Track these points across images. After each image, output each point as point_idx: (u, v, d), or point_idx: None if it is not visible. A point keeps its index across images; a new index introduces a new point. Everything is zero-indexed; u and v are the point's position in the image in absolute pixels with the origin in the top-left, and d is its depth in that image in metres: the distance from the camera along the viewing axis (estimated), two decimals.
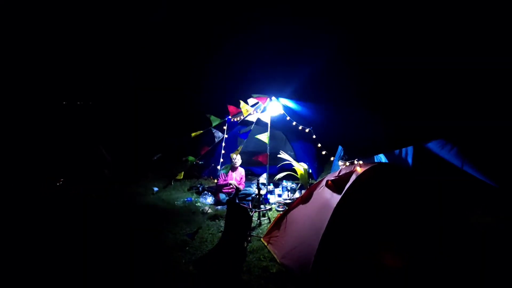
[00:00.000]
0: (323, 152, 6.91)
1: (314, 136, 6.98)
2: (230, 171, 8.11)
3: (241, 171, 8.35)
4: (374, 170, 4.79)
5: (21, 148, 11.21)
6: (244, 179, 8.39)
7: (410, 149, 7.49)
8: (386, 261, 4.20)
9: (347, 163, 5.61)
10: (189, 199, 7.95)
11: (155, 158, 7.19)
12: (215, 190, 8.14)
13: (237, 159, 8.10)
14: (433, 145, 6.77)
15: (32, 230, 5.97)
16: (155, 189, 8.65)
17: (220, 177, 8.12)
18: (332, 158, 6.83)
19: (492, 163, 6.31)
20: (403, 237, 4.31)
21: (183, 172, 7.57)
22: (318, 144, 7.05)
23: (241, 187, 8.07)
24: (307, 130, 7.09)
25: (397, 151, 7.89)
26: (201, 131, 7.72)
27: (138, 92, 19.48)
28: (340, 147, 8.47)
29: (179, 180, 9.09)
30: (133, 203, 7.64)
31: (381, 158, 8.22)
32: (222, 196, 7.75)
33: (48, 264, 4.84)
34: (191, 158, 7.49)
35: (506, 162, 6.18)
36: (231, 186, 7.92)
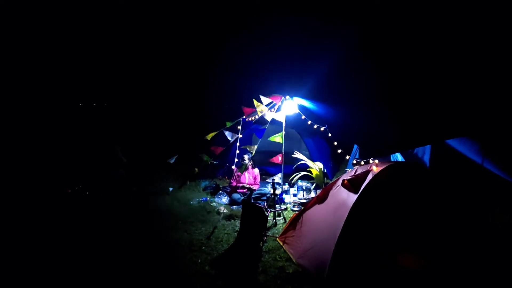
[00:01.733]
0: (339, 151, 6.85)
1: (330, 135, 6.92)
2: (245, 173, 8.13)
3: (255, 171, 8.36)
4: (391, 169, 4.72)
5: (38, 151, 11.36)
6: (258, 178, 8.40)
7: (427, 148, 7.37)
8: (404, 261, 4.13)
9: (362, 163, 5.54)
10: (204, 199, 7.97)
11: (172, 161, 7.21)
12: (230, 190, 8.16)
13: (245, 157, 8.10)
14: (453, 142, 6.65)
15: (56, 231, 6.04)
16: (170, 189, 8.69)
17: (233, 178, 8.14)
18: (347, 157, 6.76)
19: None
20: (421, 237, 4.23)
21: (197, 169, 7.59)
22: (334, 142, 6.98)
23: (256, 187, 8.07)
24: (322, 129, 7.04)
25: (414, 150, 7.78)
26: (216, 132, 7.73)
27: (153, 92, 19.64)
28: (355, 146, 8.39)
29: (195, 180, 9.13)
30: (149, 203, 7.68)
31: (397, 157, 8.11)
32: (237, 196, 7.76)
33: (68, 264, 4.90)
34: (206, 157, 7.51)
35: None
36: (244, 187, 7.96)
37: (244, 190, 7.99)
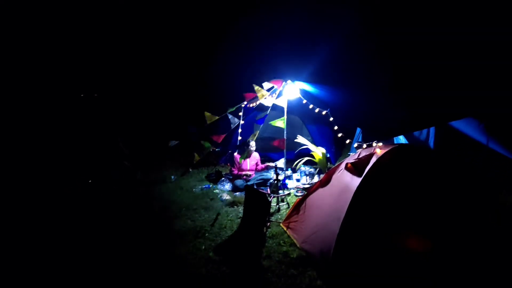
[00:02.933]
0: (339, 135, 6.78)
1: (331, 119, 6.84)
2: (247, 159, 8.12)
3: (255, 156, 8.35)
4: (395, 152, 4.66)
5: (39, 146, 11.33)
6: (260, 163, 8.39)
7: (432, 130, 7.29)
8: (410, 244, 4.10)
9: (364, 146, 5.48)
10: (207, 186, 7.96)
11: (172, 145, 7.16)
12: (233, 177, 8.15)
13: (252, 145, 8.08)
14: (458, 124, 6.57)
15: (58, 223, 6.06)
16: (173, 177, 8.68)
17: (235, 166, 8.11)
18: (348, 141, 6.70)
19: None
20: (427, 220, 4.19)
21: (197, 155, 7.56)
22: (335, 126, 6.91)
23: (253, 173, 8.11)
24: (324, 113, 6.96)
25: (417, 133, 7.71)
26: (217, 117, 7.66)
27: (152, 81, 19.49)
28: (358, 130, 8.32)
29: (197, 167, 9.11)
30: (152, 192, 7.68)
31: (401, 140, 8.04)
32: (239, 182, 7.74)
33: (78, 251, 4.91)
34: (207, 144, 7.46)
35: None
36: (247, 175, 7.97)
37: (246, 177, 7.98)
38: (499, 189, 6.35)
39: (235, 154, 8.47)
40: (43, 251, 4.98)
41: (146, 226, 5.77)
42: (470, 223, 4.26)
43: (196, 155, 7.14)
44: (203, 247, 4.97)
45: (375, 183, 4.37)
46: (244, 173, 8.09)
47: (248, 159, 8.21)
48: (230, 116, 7.70)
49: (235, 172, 8.09)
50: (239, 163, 8.10)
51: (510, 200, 6.00)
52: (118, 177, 8.26)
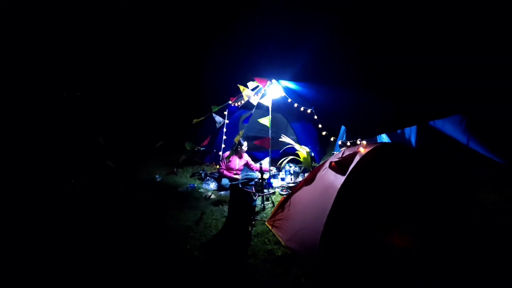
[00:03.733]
0: (323, 133, 6.83)
1: (315, 117, 6.89)
2: (235, 157, 8.11)
3: (245, 157, 8.35)
4: (378, 150, 4.73)
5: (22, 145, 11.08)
6: (250, 163, 8.40)
7: (413, 128, 7.42)
8: (393, 241, 4.17)
9: (348, 143, 5.55)
10: (192, 185, 7.92)
11: (158, 145, 7.13)
12: (218, 176, 8.13)
13: (244, 145, 8.08)
14: (439, 123, 6.70)
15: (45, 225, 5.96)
16: (158, 176, 8.62)
17: (222, 164, 8.09)
18: (332, 139, 6.77)
19: (499, 139, 6.23)
20: (409, 217, 4.27)
21: (183, 156, 7.52)
22: (319, 125, 6.96)
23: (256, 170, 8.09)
24: (308, 111, 7.00)
25: (399, 131, 7.83)
26: (203, 117, 7.64)
27: (136, 80, 19.23)
28: (343, 128, 8.40)
29: (182, 167, 9.07)
30: (136, 191, 7.61)
31: (383, 138, 8.16)
32: (225, 181, 7.72)
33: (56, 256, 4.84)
34: (189, 145, 7.46)
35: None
36: (234, 172, 7.95)
37: (232, 175, 7.97)
38: (480, 187, 6.50)
39: (227, 153, 8.49)
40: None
41: (130, 226, 5.71)
42: (451, 220, 4.35)
43: (181, 157, 7.14)
44: (188, 246, 4.95)
45: (359, 181, 4.43)
46: (232, 172, 8.06)
47: (237, 159, 8.19)
48: (214, 116, 7.70)
49: (223, 171, 8.05)
50: (227, 161, 8.07)
51: (491, 198, 6.14)
52: (118, 177, 8.18)
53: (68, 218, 6.08)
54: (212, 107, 7.58)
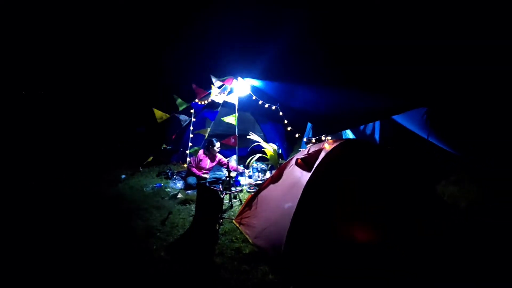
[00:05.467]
0: (289, 128, 6.88)
1: (281, 113, 6.92)
2: (206, 158, 8.03)
3: (218, 156, 8.29)
4: (342, 146, 4.81)
5: None
6: (223, 160, 8.33)
7: (377, 124, 7.62)
8: (359, 236, 4.25)
9: (313, 140, 5.62)
10: (158, 185, 7.81)
11: (120, 145, 6.96)
12: (185, 175, 8.04)
13: (217, 145, 8.01)
14: (400, 118, 6.90)
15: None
16: (123, 176, 8.44)
17: (192, 162, 7.99)
18: (297, 135, 6.84)
19: (457, 133, 6.49)
20: (374, 212, 4.37)
21: (151, 157, 7.38)
22: (285, 121, 7.00)
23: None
24: (273, 108, 7.02)
25: (364, 127, 8.02)
26: (168, 116, 7.53)
27: (97, 78, 18.67)
28: (309, 125, 8.50)
29: (148, 166, 8.91)
30: (100, 192, 7.42)
31: (348, 134, 8.34)
32: (192, 180, 7.64)
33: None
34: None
35: (470, 133, 6.36)
36: (204, 172, 7.89)
37: (201, 174, 7.90)
38: (439, 180, 6.77)
39: (187, 151, 8.40)
40: None
41: (95, 227, 5.56)
42: (414, 214, 4.48)
43: (150, 157, 7.01)
44: (154, 247, 4.87)
45: (324, 177, 4.49)
46: (198, 173, 7.98)
47: (209, 160, 8.12)
48: (181, 116, 7.61)
49: (193, 169, 7.94)
50: (198, 160, 7.97)
51: (450, 190, 6.40)
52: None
53: (23, 220, 5.89)
54: (178, 100, 7.46)
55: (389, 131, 7.47)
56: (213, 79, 7.31)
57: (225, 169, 7.50)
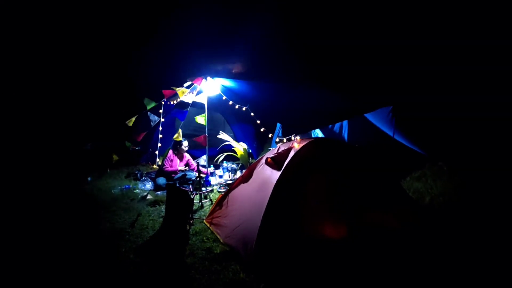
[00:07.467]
0: (262, 129, 6.92)
1: (252, 114, 6.95)
2: (176, 158, 7.95)
3: (186, 156, 8.23)
4: (311, 145, 4.88)
5: None
6: (191, 162, 8.27)
7: (345, 123, 7.77)
8: (328, 233, 4.33)
9: (284, 140, 5.67)
10: (127, 186, 7.67)
11: (87, 147, 6.79)
12: (155, 176, 7.94)
13: (185, 144, 7.95)
14: (369, 116, 7.07)
15: None
16: (89, 178, 8.23)
17: (166, 163, 7.88)
18: (270, 136, 6.89)
19: (422, 133, 6.72)
20: (343, 208, 4.46)
21: (115, 156, 7.24)
22: (257, 121, 7.03)
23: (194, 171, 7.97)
24: (244, 109, 7.04)
25: (333, 126, 8.17)
26: (136, 116, 7.41)
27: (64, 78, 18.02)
28: (278, 125, 8.57)
29: (116, 167, 8.74)
30: (66, 194, 7.21)
31: (318, 133, 8.46)
32: (161, 181, 7.55)
33: None
34: (127, 143, 7.20)
35: (435, 133, 6.60)
36: (179, 171, 7.82)
37: (174, 174, 7.82)
38: (404, 176, 6.98)
39: (156, 152, 8.28)
40: None
41: (58, 231, 5.41)
42: (380, 209, 4.60)
43: (114, 155, 6.88)
44: (123, 250, 4.79)
45: (294, 175, 4.55)
46: (173, 169, 7.88)
47: (178, 160, 8.04)
48: (149, 114, 7.50)
49: (168, 168, 7.83)
50: (170, 161, 7.87)
51: (414, 186, 6.62)
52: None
53: None
54: (145, 100, 7.34)
55: (358, 129, 7.64)
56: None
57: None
